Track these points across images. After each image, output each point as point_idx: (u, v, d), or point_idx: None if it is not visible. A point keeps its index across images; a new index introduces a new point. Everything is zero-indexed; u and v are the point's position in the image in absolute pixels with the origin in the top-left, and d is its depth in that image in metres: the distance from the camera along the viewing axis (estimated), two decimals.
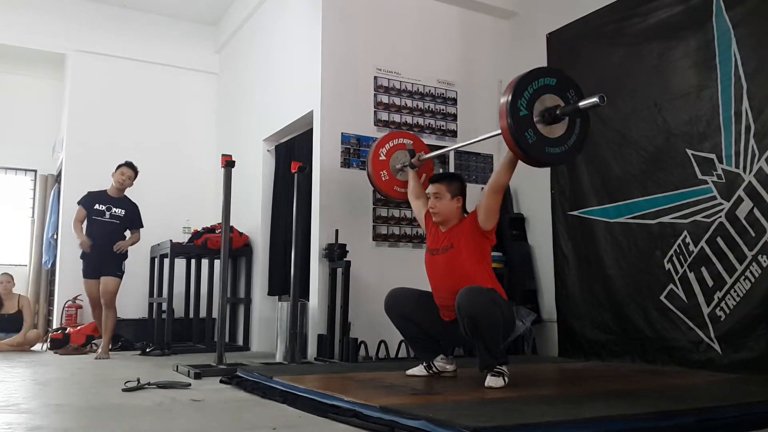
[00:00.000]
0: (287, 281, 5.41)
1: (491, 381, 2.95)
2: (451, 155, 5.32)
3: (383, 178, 4.11)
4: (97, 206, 5.31)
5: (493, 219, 3.22)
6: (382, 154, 4.18)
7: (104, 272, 5.25)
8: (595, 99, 2.85)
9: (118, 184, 5.35)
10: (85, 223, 5.32)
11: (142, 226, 5.49)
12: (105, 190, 5.40)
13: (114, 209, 5.34)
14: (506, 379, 2.97)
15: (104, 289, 5.23)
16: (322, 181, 4.85)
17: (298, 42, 5.44)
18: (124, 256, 5.34)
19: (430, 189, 3.40)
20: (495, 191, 3.18)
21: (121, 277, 5.32)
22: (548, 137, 2.95)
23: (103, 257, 5.24)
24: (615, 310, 4.42)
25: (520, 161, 3.05)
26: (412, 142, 4.30)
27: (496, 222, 3.25)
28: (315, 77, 5.00)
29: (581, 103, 2.94)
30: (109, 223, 5.31)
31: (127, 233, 5.42)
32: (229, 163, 4.18)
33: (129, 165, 5.40)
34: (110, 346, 5.38)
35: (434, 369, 3.37)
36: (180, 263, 6.06)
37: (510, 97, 2.88)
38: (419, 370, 3.40)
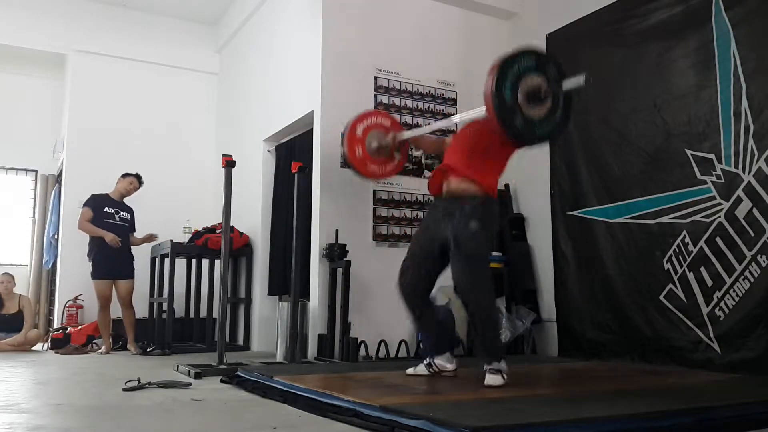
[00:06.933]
0: (287, 281, 5.42)
1: (490, 380, 2.98)
2: None
3: (357, 154, 3.96)
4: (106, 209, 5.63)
5: None
6: (359, 129, 4.07)
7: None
8: (579, 78, 2.86)
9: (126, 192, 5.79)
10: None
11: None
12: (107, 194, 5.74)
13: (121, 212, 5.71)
14: (504, 377, 2.99)
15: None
16: (322, 181, 4.86)
17: (298, 42, 5.45)
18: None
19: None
20: None
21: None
22: (534, 118, 2.97)
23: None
24: (615, 310, 4.42)
25: None
26: (390, 122, 4.24)
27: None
28: (315, 78, 5.01)
29: (565, 84, 2.97)
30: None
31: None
32: (229, 164, 4.19)
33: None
34: (112, 346, 5.69)
35: (434, 368, 3.37)
36: (180, 263, 6.06)
37: (494, 85, 2.95)
38: (420, 369, 3.40)
